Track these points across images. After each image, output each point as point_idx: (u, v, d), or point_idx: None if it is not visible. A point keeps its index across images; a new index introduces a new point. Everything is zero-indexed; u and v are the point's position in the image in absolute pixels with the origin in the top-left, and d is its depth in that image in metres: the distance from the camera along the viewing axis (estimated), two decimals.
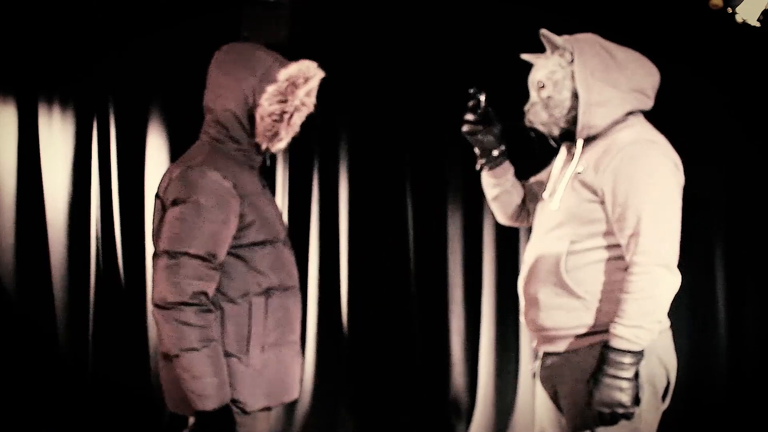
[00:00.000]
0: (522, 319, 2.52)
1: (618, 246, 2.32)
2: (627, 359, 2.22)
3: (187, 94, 4.60)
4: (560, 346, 2.39)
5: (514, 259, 4.40)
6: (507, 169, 2.65)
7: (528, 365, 4.31)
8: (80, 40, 4.53)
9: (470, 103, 2.55)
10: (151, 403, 4.64)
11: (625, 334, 2.23)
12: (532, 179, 2.71)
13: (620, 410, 2.23)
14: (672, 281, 2.27)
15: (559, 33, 2.45)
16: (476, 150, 2.63)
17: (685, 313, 4.16)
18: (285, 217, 4.66)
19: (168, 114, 4.66)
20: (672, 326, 2.44)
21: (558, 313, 2.37)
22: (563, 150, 2.53)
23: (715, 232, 4.32)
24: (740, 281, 4.31)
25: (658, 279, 2.24)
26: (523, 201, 2.70)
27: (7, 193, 4.62)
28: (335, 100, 4.65)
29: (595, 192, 2.32)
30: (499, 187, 2.65)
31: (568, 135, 2.46)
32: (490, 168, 2.63)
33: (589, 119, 2.37)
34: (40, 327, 4.62)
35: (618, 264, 2.32)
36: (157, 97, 4.66)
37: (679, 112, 4.20)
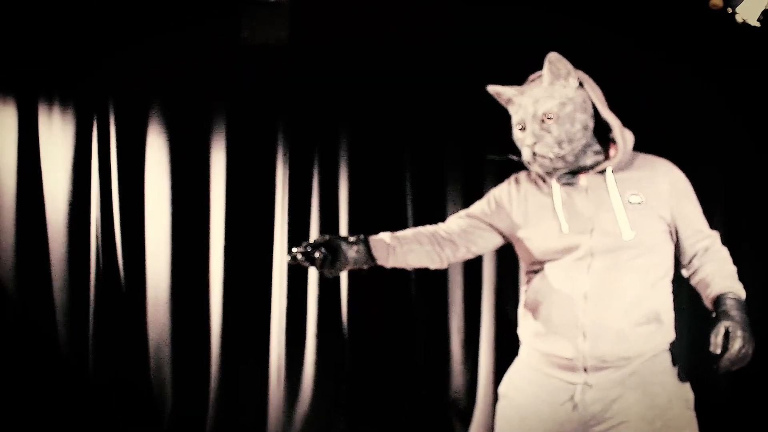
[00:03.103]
0: (574, 353, 2.42)
1: (669, 269, 2.49)
2: (742, 306, 2.43)
3: (187, 95, 4.66)
4: (622, 371, 2.42)
5: (514, 259, 4.39)
6: (382, 246, 2.56)
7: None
8: (80, 40, 4.53)
9: (305, 264, 2.41)
10: (151, 402, 4.64)
11: (737, 286, 2.46)
12: (460, 220, 2.65)
13: (751, 350, 2.34)
14: None
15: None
16: (355, 265, 2.53)
17: (686, 312, 4.16)
18: (285, 217, 4.66)
19: (168, 114, 4.66)
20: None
21: (638, 341, 2.42)
22: (555, 184, 2.48)
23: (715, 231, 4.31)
24: (740, 280, 4.30)
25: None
26: (438, 243, 2.62)
27: (7, 193, 4.62)
28: (335, 100, 4.66)
29: (667, 221, 2.46)
30: (400, 260, 2.61)
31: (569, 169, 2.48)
32: (375, 261, 2.56)
33: (626, 145, 2.43)
34: (40, 327, 4.61)
35: (668, 285, 2.51)
36: (157, 97, 4.66)
37: (679, 112, 4.20)
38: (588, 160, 2.43)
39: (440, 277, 4.64)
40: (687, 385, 2.48)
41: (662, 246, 2.47)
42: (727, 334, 2.32)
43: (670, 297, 2.51)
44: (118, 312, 4.66)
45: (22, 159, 4.62)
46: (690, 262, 2.52)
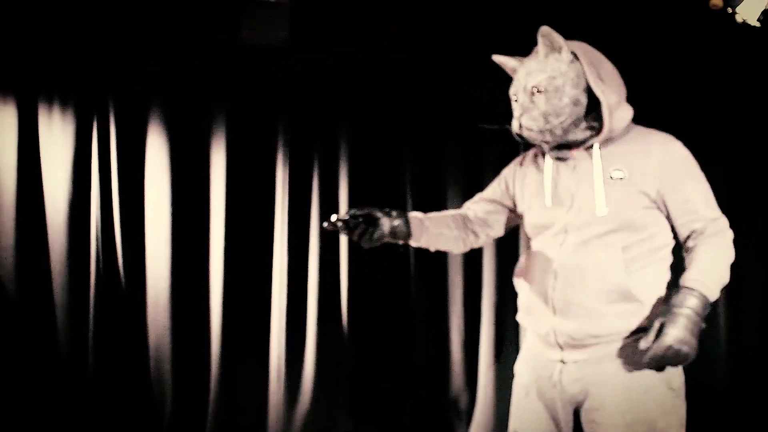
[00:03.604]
0: (546, 329, 2.44)
1: (662, 247, 2.40)
2: (701, 303, 2.28)
3: (187, 95, 4.66)
4: (598, 352, 2.38)
5: (514, 259, 4.39)
6: (419, 224, 2.59)
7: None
8: (80, 40, 4.53)
9: (344, 232, 2.45)
10: (151, 402, 4.64)
11: (703, 279, 2.30)
12: (475, 204, 2.68)
13: (686, 349, 2.23)
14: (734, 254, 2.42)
15: (558, 32, 2.44)
16: (389, 239, 2.55)
17: None
18: (285, 217, 4.66)
19: (168, 114, 4.66)
20: None
21: (611, 319, 2.36)
22: (548, 159, 2.49)
23: None
24: (740, 280, 4.31)
25: (731, 252, 2.41)
26: (465, 227, 2.67)
27: (7, 193, 4.62)
28: (335, 100, 4.66)
29: (651, 197, 2.37)
30: (429, 242, 2.63)
31: (559, 143, 2.45)
32: (409, 237, 2.58)
33: (613, 123, 2.39)
34: (40, 327, 4.61)
35: (663, 265, 2.41)
36: (157, 97, 4.66)
37: (679, 111, 4.20)
38: (579, 134, 2.42)
39: (440, 276, 4.64)
40: (671, 369, 2.34)
41: (646, 222, 2.38)
42: (661, 330, 2.24)
43: (659, 277, 2.40)
44: (118, 312, 4.66)
45: (22, 159, 4.62)
46: (685, 242, 2.42)
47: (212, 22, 4.45)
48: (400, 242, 2.58)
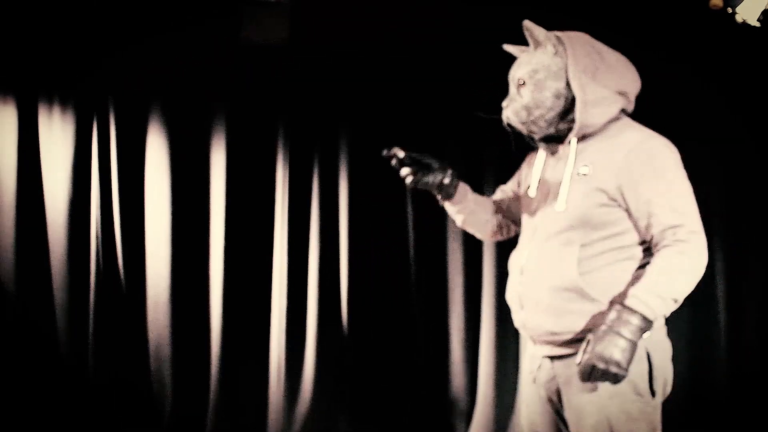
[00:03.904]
0: (519, 324, 2.46)
1: (629, 247, 2.31)
2: (636, 321, 2.19)
3: (187, 95, 4.66)
4: (567, 350, 2.35)
5: None
6: (464, 191, 2.62)
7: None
8: (80, 40, 4.53)
9: (393, 163, 2.51)
10: (151, 402, 4.64)
11: (644, 297, 2.20)
12: (500, 192, 2.69)
13: (613, 369, 2.17)
14: (702, 268, 2.28)
15: (556, 31, 2.43)
16: (432, 192, 2.58)
17: (686, 311, 4.16)
18: (285, 217, 4.66)
19: (168, 114, 4.66)
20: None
21: (572, 318, 2.32)
22: (541, 151, 2.49)
23: (715, 231, 4.32)
24: (740, 279, 4.31)
25: (692, 263, 2.26)
26: (496, 214, 2.68)
27: (7, 193, 4.62)
28: (335, 100, 4.66)
29: (610, 195, 2.30)
30: (463, 212, 2.64)
31: (547, 136, 2.44)
32: (450, 198, 2.60)
33: (586, 118, 2.34)
34: (40, 327, 4.61)
35: (629, 264, 2.31)
36: (157, 97, 4.66)
37: (679, 111, 4.21)
38: (564, 128, 2.40)
39: (440, 276, 4.64)
40: (637, 375, 2.27)
41: (607, 220, 2.30)
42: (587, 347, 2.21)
43: (623, 276, 2.29)
44: (118, 312, 4.66)
45: (22, 159, 4.62)
46: (650, 248, 2.30)
47: (212, 22, 4.45)
48: (439, 198, 2.61)
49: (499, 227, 2.71)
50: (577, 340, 2.32)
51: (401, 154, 2.49)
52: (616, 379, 2.20)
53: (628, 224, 2.31)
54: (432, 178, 2.54)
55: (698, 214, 2.31)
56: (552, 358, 2.41)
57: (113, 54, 4.55)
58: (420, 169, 2.52)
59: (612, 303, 2.26)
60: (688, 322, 4.22)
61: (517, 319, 2.47)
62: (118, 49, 4.53)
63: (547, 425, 2.46)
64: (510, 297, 2.49)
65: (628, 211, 2.30)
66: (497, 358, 4.51)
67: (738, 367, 4.28)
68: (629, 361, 2.19)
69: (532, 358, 2.50)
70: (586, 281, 2.30)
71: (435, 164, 2.54)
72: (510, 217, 2.69)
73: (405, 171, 2.51)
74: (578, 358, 2.23)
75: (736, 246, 4.32)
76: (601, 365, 2.18)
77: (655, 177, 2.28)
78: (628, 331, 2.18)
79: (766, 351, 4.27)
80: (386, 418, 4.61)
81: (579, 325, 2.32)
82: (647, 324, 2.21)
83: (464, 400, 4.63)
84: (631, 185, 2.28)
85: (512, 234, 2.72)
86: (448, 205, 2.64)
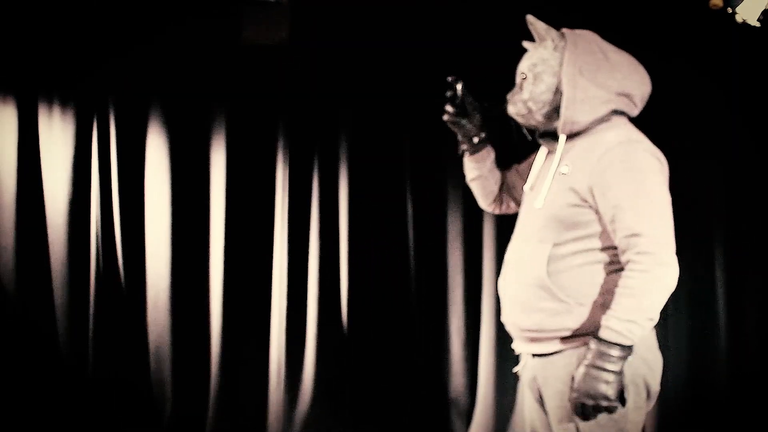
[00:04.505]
0: (503, 319, 2.48)
1: (601, 250, 2.29)
2: (615, 352, 2.17)
3: (187, 95, 4.66)
4: (543, 348, 2.35)
5: None
6: (486, 155, 2.67)
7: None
8: (80, 40, 4.53)
9: (448, 93, 2.60)
10: (151, 402, 4.64)
11: (616, 327, 2.17)
12: (512, 170, 2.71)
13: (604, 403, 2.18)
14: (671, 280, 2.23)
15: (557, 29, 2.44)
16: (458, 136, 2.66)
17: (685, 311, 4.16)
18: (285, 217, 4.66)
19: (168, 114, 4.66)
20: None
21: (540, 316, 2.32)
22: (543, 146, 2.50)
23: (715, 231, 4.32)
24: (740, 280, 4.31)
25: (657, 278, 2.20)
26: (501, 189, 2.71)
27: (7, 193, 4.62)
28: (335, 100, 4.66)
29: (581, 196, 2.28)
30: (476, 171, 2.68)
31: (549, 131, 2.44)
32: (471, 153, 2.66)
33: (572, 115, 2.33)
34: (40, 327, 4.62)
35: (600, 267, 2.29)
36: (157, 97, 4.66)
37: (679, 111, 4.20)
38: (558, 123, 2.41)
39: (440, 276, 4.64)
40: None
41: (580, 221, 2.28)
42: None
43: (594, 279, 2.28)
44: (118, 312, 4.66)
45: (22, 159, 4.62)
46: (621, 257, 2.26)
47: (212, 22, 4.45)
48: (464, 147, 2.67)
49: (500, 200, 2.74)
50: (552, 339, 2.32)
51: (459, 90, 2.58)
52: (609, 411, 2.21)
53: (600, 227, 2.29)
54: (465, 131, 2.62)
55: (668, 223, 2.25)
56: (534, 356, 2.41)
57: (113, 54, 4.55)
58: (463, 115, 2.60)
59: (588, 334, 2.24)
60: (688, 322, 4.22)
61: (503, 315, 2.49)
62: (118, 49, 4.53)
63: (545, 425, 2.46)
64: (500, 293, 2.52)
65: (598, 213, 2.27)
66: (497, 358, 4.50)
67: (738, 367, 4.28)
68: (619, 390, 2.19)
69: (521, 357, 2.51)
70: (553, 281, 2.29)
71: (477, 121, 2.61)
72: (511, 195, 2.72)
73: (449, 108, 2.60)
74: (568, 396, 2.25)
75: (736, 246, 4.32)
76: (590, 402, 2.19)
77: (627, 181, 2.23)
78: (610, 365, 2.18)
79: (766, 351, 4.27)
80: (386, 418, 4.61)
81: (547, 324, 2.32)
82: (627, 351, 2.19)
83: (464, 400, 4.63)
84: (601, 187, 2.24)
85: (510, 211, 2.74)
86: (467, 159, 2.69)
